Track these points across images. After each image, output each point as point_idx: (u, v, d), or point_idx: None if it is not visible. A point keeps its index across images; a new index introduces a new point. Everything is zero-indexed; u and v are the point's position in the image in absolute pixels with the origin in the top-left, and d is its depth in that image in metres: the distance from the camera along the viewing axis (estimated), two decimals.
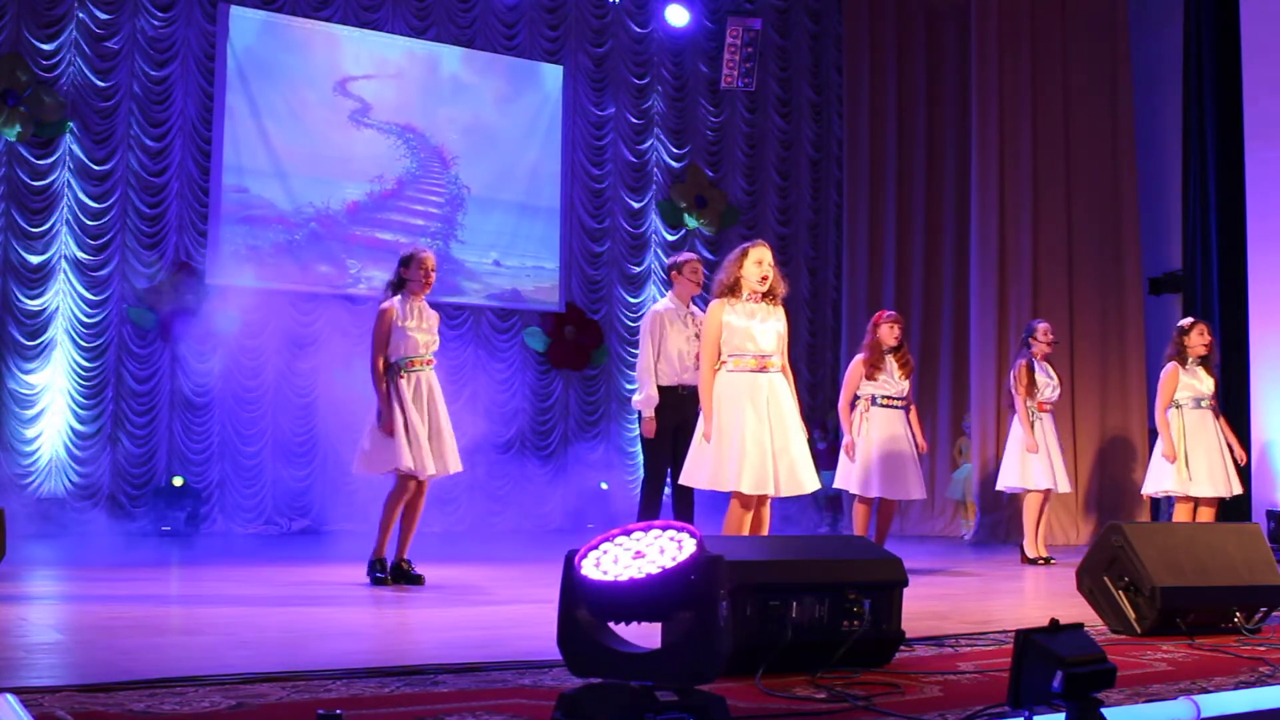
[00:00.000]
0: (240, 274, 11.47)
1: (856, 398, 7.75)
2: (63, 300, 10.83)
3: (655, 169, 13.74)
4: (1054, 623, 2.58)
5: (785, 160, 14.39)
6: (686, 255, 7.31)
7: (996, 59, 12.33)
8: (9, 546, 5.24)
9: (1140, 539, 4.43)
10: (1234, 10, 10.93)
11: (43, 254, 10.79)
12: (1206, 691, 3.14)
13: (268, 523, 11.22)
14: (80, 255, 10.91)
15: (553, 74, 13.24)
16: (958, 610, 5.35)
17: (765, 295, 5.62)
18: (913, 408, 7.86)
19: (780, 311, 5.70)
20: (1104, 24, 12.26)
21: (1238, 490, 7.73)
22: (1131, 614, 4.36)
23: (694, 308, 7.13)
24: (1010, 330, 12.13)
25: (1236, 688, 3.25)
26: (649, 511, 6.94)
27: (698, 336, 6.75)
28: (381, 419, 6.18)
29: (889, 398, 7.66)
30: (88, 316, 10.91)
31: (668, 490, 7.08)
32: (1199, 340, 7.55)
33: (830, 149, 14.55)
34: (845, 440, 7.70)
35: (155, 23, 11.28)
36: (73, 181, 10.92)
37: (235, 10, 11.64)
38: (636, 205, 13.62)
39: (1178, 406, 7.50)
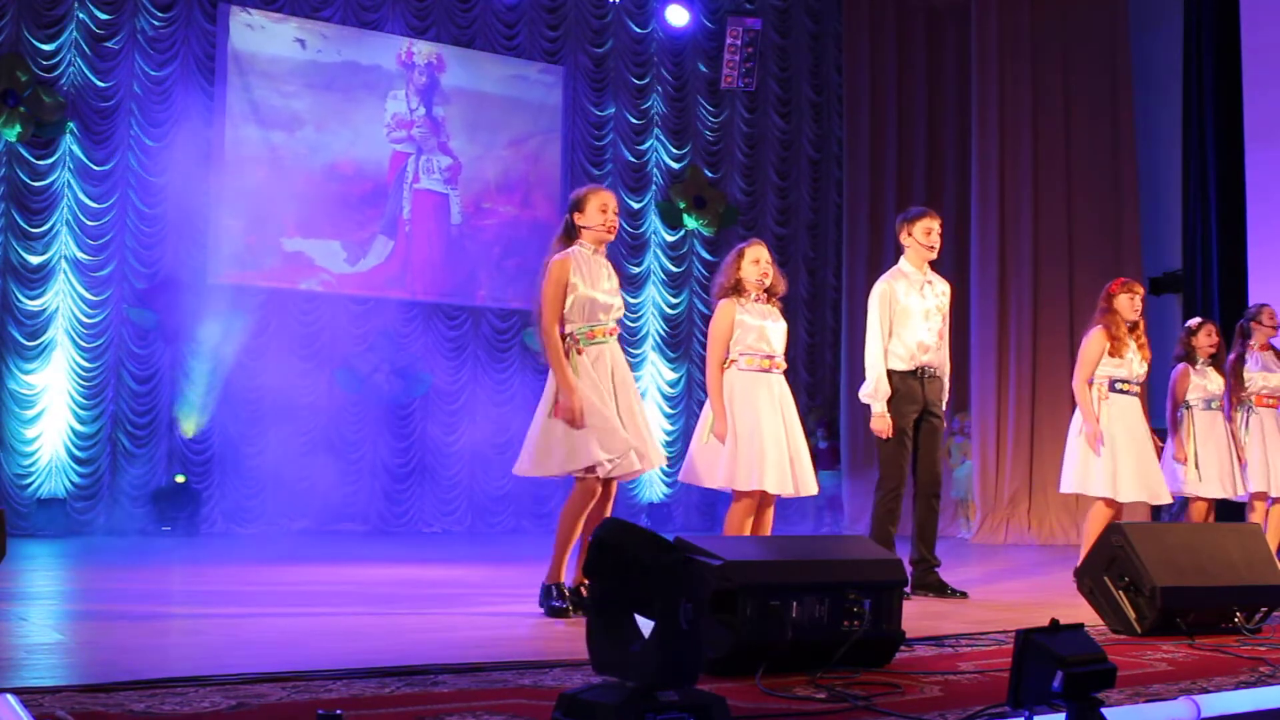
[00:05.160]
0: (240, 273, 11.48)
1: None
2: (63, 300, 10.83)
3: (655, 169, 13.74)
4: (1054, 623, 2.57)
5: (785, 160, 14.38)
6: (918, 210, 6.33)
7: (996, 58, 12.34)
8: (9, 546, 5.24)
9: (1140, 539, 4.43)
10: (1234, 10, 10.94)
11: (43, 254, 10.78)
12: (1207, 691, 3.14)
13: (268, 523, 11.22)
14: (80, 255, 10.90)
15: (552, 74, 13.24)
16: (958, 610, 5.35)
17: (767, 295, 5.62)
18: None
19: (779, 312, 5.69)
20: (1104, 23, 12.28)
21: (1244, 492, 7.69)
22: (1132, 614, 4.36)
23: (931, 274, 6.24)
24: (1010, 330, 12.15)
25: (1237, 688, 3.25)
26: (887, 525, 6.00)
27: (940, 309, 6.15)
28: (560, 405, 4.82)
29: (1127, 382, 6.39)
30: (88, 317, 10.90)
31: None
32: (1206, 341, 7.50)
33: (830, 149, 14.54)
34: (1088, 429, 6.31)
35: (155, 23, 11.28)
36: (73, 181, 10.92)
37: (235, 10, 11.64)
38: (636, 205, 13.61)
39: (1188, 407, 7.47)
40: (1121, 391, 6.37)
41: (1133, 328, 6.47)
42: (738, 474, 5.38)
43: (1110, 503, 6.31)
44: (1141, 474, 6.30)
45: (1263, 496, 7.57)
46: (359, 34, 12.23)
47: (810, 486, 5.55)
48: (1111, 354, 6.38)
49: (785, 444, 5.44)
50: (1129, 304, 6.45)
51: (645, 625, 2.60)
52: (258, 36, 11.78)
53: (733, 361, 5.52)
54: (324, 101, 12.02)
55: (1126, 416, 6.36)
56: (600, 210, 5.00)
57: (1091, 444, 6.29)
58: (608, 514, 4.97)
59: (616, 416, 4.87)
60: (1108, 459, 6.27)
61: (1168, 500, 6.54)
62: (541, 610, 4.85)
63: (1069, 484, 6.46)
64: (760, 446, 5.37)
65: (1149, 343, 6.59)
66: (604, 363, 4.93)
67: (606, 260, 5.08)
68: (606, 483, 4.98)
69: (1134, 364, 6.42)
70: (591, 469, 4.83)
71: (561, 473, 4.91)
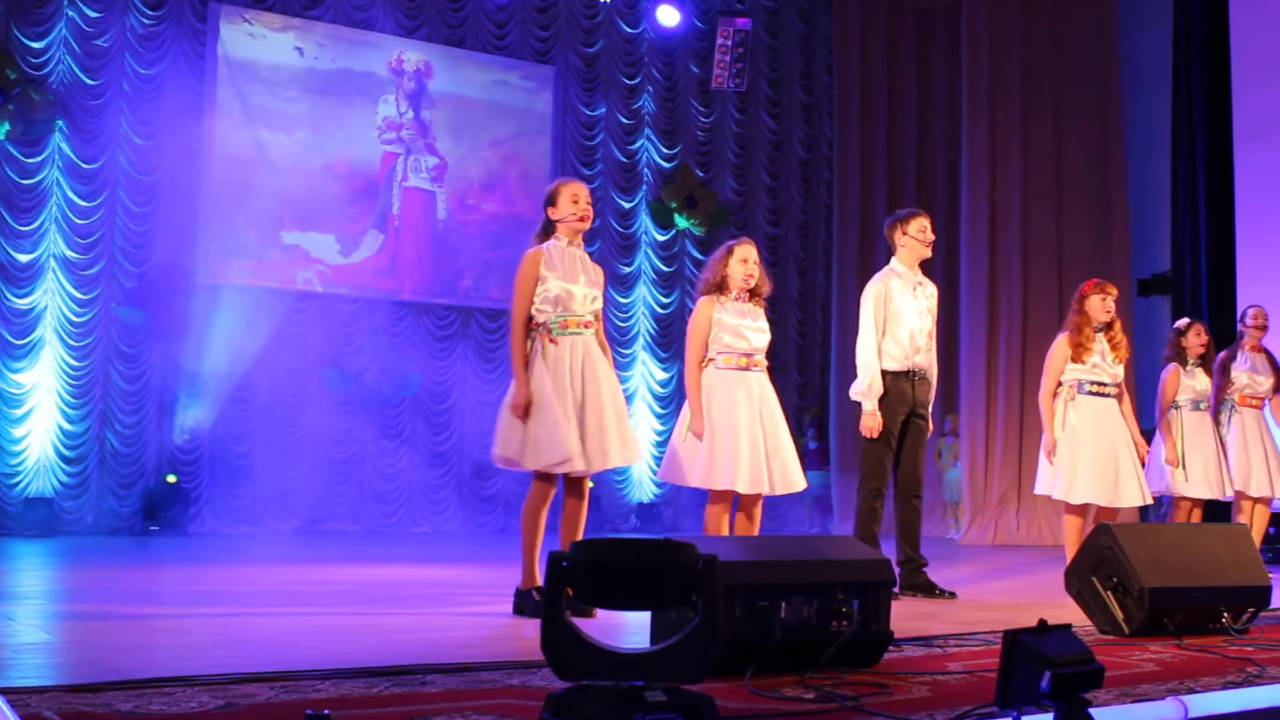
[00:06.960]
0: (230, 272, 11.46)
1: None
2: (51, 299, 10.80)
3: (646, 169, 13.75)
4: (1042, 623, 2.58)
5: (775, 161, 14.40)
6: (910, 210, 6.32)
7: (987, 60, 12.37)
8: None
9: (1128, 540, 4.44)
10: (1224, 12, 10.97)
11: (31, 252, 10.75)
12: (1194, 692, 3.14)
13: (257, 522, 11.19)
14: (69, 254, 10.88)
15: (535, 79, 13.25)
16: (946, 610, 5.36)
17: (751, 295, 5.61)
18: (1126, 397, 6.45)
19: (762, 312, 5.66)
20: (1094, 25, 12.30)
21: (1231, 492, 7.70)
22: (1119, 614, 4.36)
23: (921, 275, 6.25)
24: (1000, 331, 12.16)
25: (1224, 688, 3.25)
26: (870, 524, 5.99)
27: (930, 311, 6.16)
28: (515, 396, 4.81)
29: (1099, 384, 6.28)
30: (76, 315, 10.88)
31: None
32: (1196, 341, 7.52)
33: (820, 150, 14.56)
34: (1045, 440, 6.33)
35: (145, 21, 11.25)
36: (62, 180, 10.89)
37: (225, 9, 11.63)
38: (627, 205, 13.62)
39: (1176, 408, 7.48)
40: (1093, 393, 6.27)
41: (1107, 327, 6.37)
42: (712, 473, 5.37)
43: (1075, 508, 6.25)
44: (1099, 475, 6.16)
45: (1244, 496, 7.59)
46: (353, 43, 12.28)
47: (794, 483, 5.52)
48: (1075, 359, 6.30)
49: (762, 443, 5.41)
50: (1100, 305, 6.35)
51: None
52: (258, 44, 11.81)
53: (711, 360, 5.51)
54: (320, 105, 12.08)
55: (1099, 418, 6.25)
56: (571, 201, 5.02)
57: (1047, 454, 6.27)
58: (583, 514, 4.95)
59: (575, 413, 4.78)
60: (1068, 461, 6.20)
61: (1125, 504, 6.33)
62: (518, 616, 4.83)
63: (1039, 485, 6.43)
64: (735, 446, 5.35)
65: (1128, 342, 6.50)
66: (575, 355, 4.87)
67: (584, 253, 5.09)
68: (577, 483, 4.92)
69: (1107, 364, 6.32)
70: (545, 468, 4.81)
71: (520, 468, 4.88)
